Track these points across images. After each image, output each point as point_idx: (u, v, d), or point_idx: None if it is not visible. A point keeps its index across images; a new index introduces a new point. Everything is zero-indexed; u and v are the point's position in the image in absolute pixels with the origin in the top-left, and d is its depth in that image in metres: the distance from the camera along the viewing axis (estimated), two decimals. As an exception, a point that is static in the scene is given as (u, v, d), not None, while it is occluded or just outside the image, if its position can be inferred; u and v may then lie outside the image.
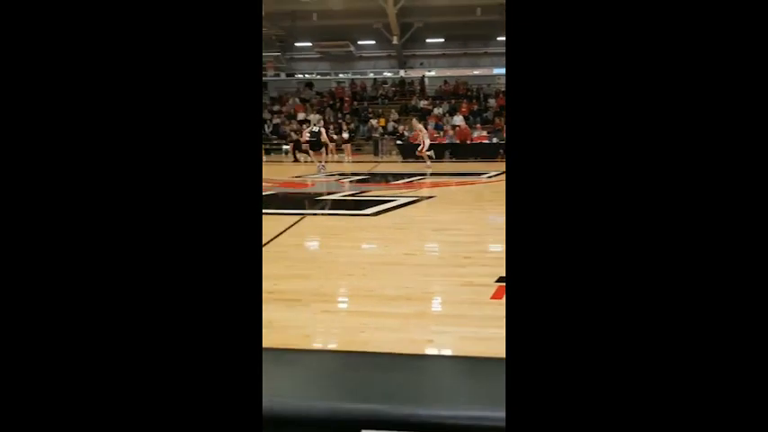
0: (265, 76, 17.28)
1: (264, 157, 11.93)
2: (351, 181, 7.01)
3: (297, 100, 16.11)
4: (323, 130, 8.84)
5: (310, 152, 8.95)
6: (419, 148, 9.69)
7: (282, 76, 17.26)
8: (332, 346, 1.60)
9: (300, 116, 14.97)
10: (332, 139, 12.56)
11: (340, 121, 14.29)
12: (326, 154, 8.91)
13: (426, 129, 11.77)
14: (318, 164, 8.52)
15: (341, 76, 17.30)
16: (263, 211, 3.91)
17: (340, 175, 7.93)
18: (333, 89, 16.63)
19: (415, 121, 11.31)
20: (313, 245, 3.15)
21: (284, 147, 13.31)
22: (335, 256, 2.70)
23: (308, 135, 8.94)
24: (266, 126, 14.34)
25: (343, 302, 2.02)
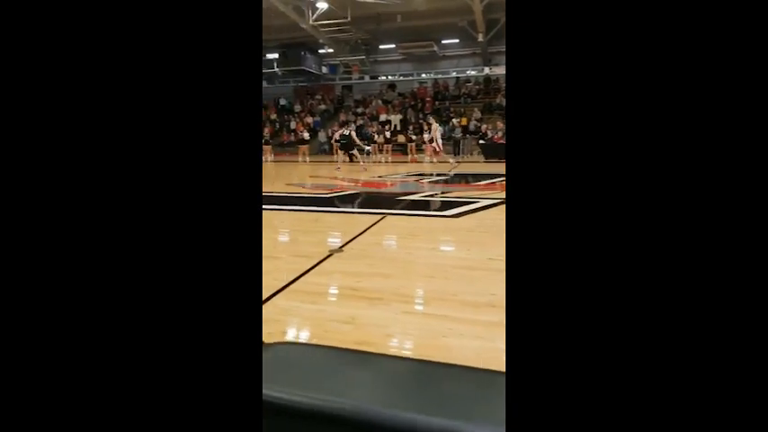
0: (350, 79, 17.91)
1: (348, 158, 12.35)
2: (431, 181, 6.96)
3: (379, 102, 16.44)
4: (353, 134, 9.98)
5: (339, 152, 9.91)
6: (432, 146, 10.22)
7: (366, 78, 17.72)
8: (412, 348, 1.58)
9: (382, 117, 15.26)
10: (410, 140, 12.69)
11: (421, 121, 14.30)
12: (356, 156, 9.96)
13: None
14: (337, 164, 9.52)
15: (423, 76, 17.29)
16: (345, 209, 4.02)
17: (419, 175, 7.92)
18: (415, 90, 16.69)
19: (432, 119, 11.69)
20: (394, 245, 3.17)
21: (366, 148, 13.67)
22: (416, 257, 2.69)
23: (338, 137, 9.98)
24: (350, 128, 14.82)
25: (424, 305, 1.99)
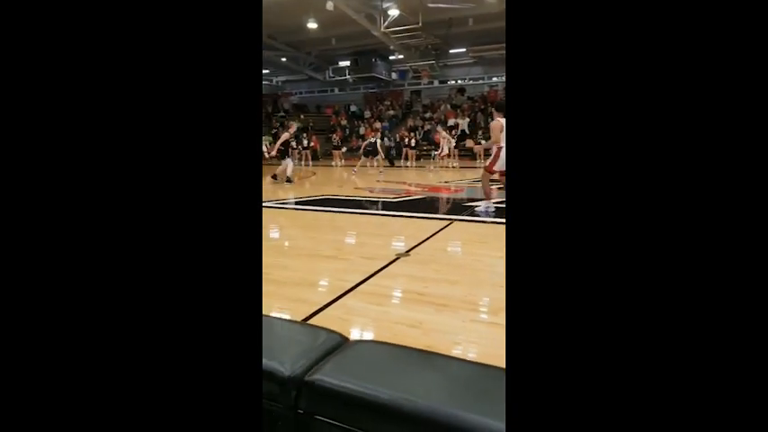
0: (419, 84, 17.97)
1: (414, 163, 12.38)
2: (500, 188, 6.76)
3: (448, 106, 16.31)
4: (379, 141, 10.62)
5: (363, 158, 10.47)
6: (439, 152, 11.06)
7: (435, 83, 17.67)
8: (479, 359, 1.55)
9: (451, 122, 15.11)
10: (478, 143, 12.47)
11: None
12: (376, 161, 10.67)
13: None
14: (355, 169, 10.09)
15: (494, 79, 16.85)
16: (411, 214, 4.00)
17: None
18: (485, 93, 16.33)
19: (439, 127, 12.39)
20: (461, 251, 3.12)
21: (433, 153, 13.61)
22: (484, 264, 2.63)
23: (366, 145, 10.57)
24: (417, 133, 14.88)
25: (493, 314, 1.94)
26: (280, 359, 0.66)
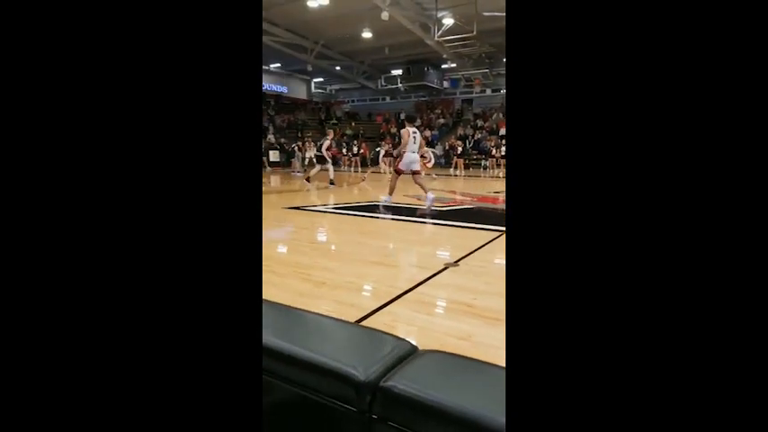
0: (471, 93, 17.77)
1: (463, 172, 12.22)
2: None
3: (500, 115, 15.98)
4: (382, 152, 11.88)
5: (367, 166, 12.19)
6: (424, 162, 12.23)
7: (488, 92, 17.40)
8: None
9: (503, 131, 14.80)
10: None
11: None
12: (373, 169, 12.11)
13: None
14: (363, 174, 11.41)
15: (550, 88, 16.32)
16: (460, 224, 3.91)
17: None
18: (539, 103, 15.85)
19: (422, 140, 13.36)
20: (512, 264, 3.01)
21: (483, 162, 13.37)
22: (538, 279, 2.51)
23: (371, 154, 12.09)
24: (467, 141, 14.69)
25: (546, 331, 1.84)
26: (352, 363, 0.65)
